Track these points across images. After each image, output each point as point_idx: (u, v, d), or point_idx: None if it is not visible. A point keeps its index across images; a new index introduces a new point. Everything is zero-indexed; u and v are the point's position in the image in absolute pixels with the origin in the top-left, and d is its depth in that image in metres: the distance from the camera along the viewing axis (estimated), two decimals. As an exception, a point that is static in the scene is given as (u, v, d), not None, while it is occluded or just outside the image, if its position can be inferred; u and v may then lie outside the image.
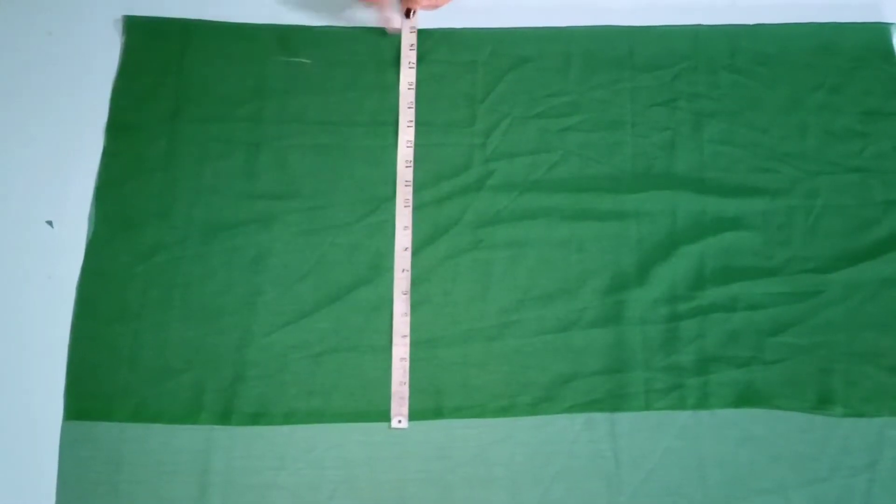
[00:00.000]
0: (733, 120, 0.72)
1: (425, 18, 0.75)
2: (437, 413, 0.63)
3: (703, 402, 0.63)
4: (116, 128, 0.70)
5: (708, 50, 0.75)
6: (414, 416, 0.63)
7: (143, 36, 0.73)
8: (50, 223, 0.67)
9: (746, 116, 0.73)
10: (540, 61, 0.74)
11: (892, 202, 0.70)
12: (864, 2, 0.78)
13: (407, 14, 0.73)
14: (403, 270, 0.67)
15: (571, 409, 0.63)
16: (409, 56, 0.72)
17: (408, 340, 0.65)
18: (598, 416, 0.63)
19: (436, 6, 0.72)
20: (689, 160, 0.71)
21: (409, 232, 0.68)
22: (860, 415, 0.63)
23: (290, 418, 0.63)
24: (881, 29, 0.76)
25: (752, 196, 0.70)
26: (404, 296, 0.66)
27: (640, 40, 0.75)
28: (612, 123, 0.72)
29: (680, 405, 0.63)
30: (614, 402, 0.63)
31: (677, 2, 0.76)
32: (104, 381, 0.63)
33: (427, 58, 0.74)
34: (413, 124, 0.70)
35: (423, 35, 0.74)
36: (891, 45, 0.76)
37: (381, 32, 0.74)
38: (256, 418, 0.62)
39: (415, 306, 0.66)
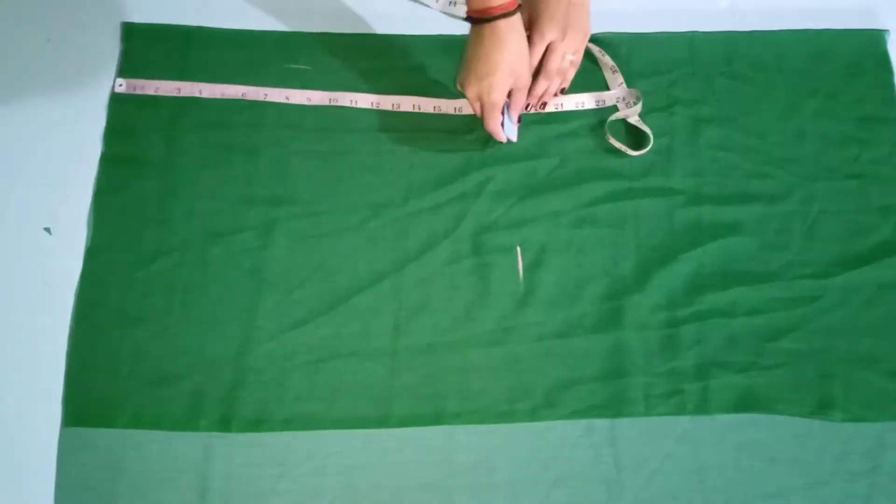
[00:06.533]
0: (730, 126, 0.73)
1: (426, 25, 0.75)
2: (438, 419, 0.63)
3: (702, 408, 0.63)
4: (115, 134, 0.70)
5: (705, 56, 0.75)
6: (414, 421, 0.63)
7: (141, 43, 0.73)
8: (48, 230, 0.67)
9: (743, 122, 0.73)
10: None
11: (888, 207, 0.70)
12: (859, 9, 0.78)
13: None
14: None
15: (571, 414, 0.63)
16: None
17: None
18: (599, 422, 0.63)
19: None
20: (687, 166, 0.71)
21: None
22: (860, 420, 0.64)
23: (289, 424, 0.62)
24: (876, 35, 0.77)
25: (749, 202, 0.70)
26: None
27: (637, 47, 0.75)
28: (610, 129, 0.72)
29: (680, 410, 0.63)
30: (614, 407, 0.63)
31: (674, 9, 0.77)
32: (103, 387, 0.62)
33: (426, 64, 0.74)
34: None
35: (423, 42, 0.75)
36: (886, 51, 0.76)
37: (377, 38, 0.75)
38: (256, 425, 0.62)
39: (415, 312, 0.66)
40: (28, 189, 0.68)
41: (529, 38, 0.68)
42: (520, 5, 0.63)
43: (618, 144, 0.71)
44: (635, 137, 0.72)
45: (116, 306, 0.64)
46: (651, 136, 0.71)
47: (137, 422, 0.62)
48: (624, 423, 0.63)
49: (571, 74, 0.72)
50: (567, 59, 0.70)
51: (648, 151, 0.71)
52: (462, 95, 0.68)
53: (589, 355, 0.65)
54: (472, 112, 0.71)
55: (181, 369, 0.63)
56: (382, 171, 0.70)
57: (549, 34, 0.68)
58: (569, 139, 0.72)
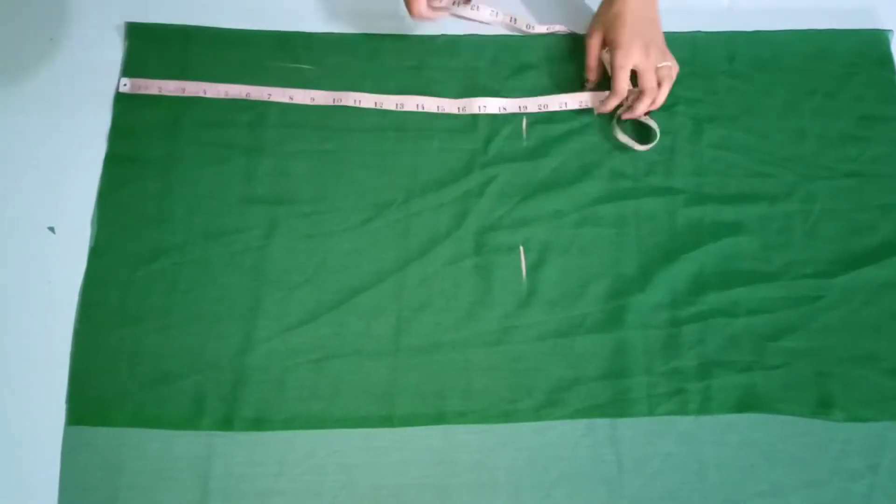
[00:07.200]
0: (732, 125, 0.73)
1: (429, 25, 0.75)
2: (439, 418, 0.63)
3: (704, 407, 0.63)
4: (119, 133, 0.70)
5: (706, 56, 0.75)
6: (416, 420, 0.63)
7: (144, 42, 0.73)
8: (51, 229, 0.67)
9: (744, 122, 0.73)
10: (541, 68, 0.74)
11: (888, 206, 0.70)
12: (860, 8, 0.78)
13: None
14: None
15: (573, 414, 0.63)
16: None
17: None
18: (600, 422, 0.63)
19: None
20: (688, 165, 0.71)
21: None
22: (859, 419, 0.64)
23: (290, 424, 0.62)
24: (877, 35, 0.77)
25: (750, 201, 0.70)
26: None
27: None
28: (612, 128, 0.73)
29: (682, 410, 0.63)
30: (616, 407, 0.63)
31: (676, 8, 0.77)
32: (106, 386, 0.63)
33: (428, 63, 0.74)
34: None
35: (425, 41, 0.75)
36: (887, 50, 0.76)
37: (380, 38, 0.75)
38: (257, 424, 0.62)
39: (417, 311, 0.66)
40: (32, 188, 0.68)
41: (613, 63, 0.69)
42: None
43: (624, 139, 0.71)
44: (640, 135, 0.72)
45: (119, 305, 0.65)
46: (657, 131, 0.71)
47: (138, 421, 0.62)
48: (626, 422, 0.63)
49: (667, 88, 0.70)
50: (664, 67, 0.69)
51: (651, 150, 0.71)
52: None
53: (591, 355, 0.65)
54: (474, 112, 0.71)
55: (182, 368, 0.63)
56: (385, 170, 0.70)
57: (633, 57, 0.68)
58: (571, 138, 0.72)
